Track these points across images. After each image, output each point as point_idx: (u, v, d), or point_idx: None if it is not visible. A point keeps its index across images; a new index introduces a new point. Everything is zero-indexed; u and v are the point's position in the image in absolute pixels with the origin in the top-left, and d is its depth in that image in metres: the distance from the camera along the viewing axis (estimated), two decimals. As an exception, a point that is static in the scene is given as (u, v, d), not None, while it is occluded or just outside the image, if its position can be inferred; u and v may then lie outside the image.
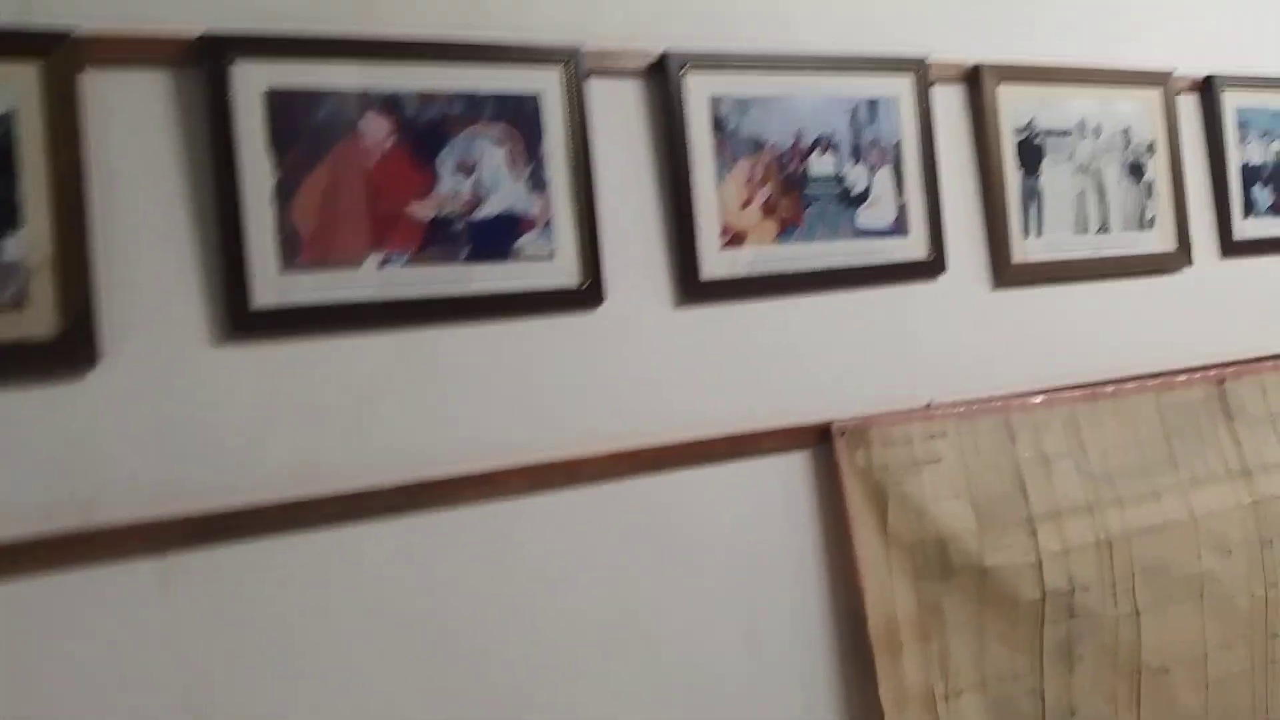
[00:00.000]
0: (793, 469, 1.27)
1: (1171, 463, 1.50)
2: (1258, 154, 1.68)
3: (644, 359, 1.22)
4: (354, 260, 1.07)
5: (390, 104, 1.09)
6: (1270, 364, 1.62)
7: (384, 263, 1.08)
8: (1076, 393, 1.45)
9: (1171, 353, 1.56)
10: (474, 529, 1.11)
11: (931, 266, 1.38)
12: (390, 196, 1.09)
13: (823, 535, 1.29)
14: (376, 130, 1.08)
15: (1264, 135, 1.68)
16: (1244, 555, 1.53)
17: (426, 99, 1.10)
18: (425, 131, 1.11)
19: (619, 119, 1.22)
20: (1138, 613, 1.43)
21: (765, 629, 1.26)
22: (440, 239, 1.10)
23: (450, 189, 1.11)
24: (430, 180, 1.11)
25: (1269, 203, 1.68)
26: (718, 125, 1.24)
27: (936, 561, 1.32)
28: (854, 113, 1.32)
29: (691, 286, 1.24)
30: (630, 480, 1.19)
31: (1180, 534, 1.47)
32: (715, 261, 1.24)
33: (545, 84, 1.16)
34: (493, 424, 1.14)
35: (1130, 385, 1.49)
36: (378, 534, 1.07)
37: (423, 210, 1.10)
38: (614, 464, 1.18)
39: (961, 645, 1.33)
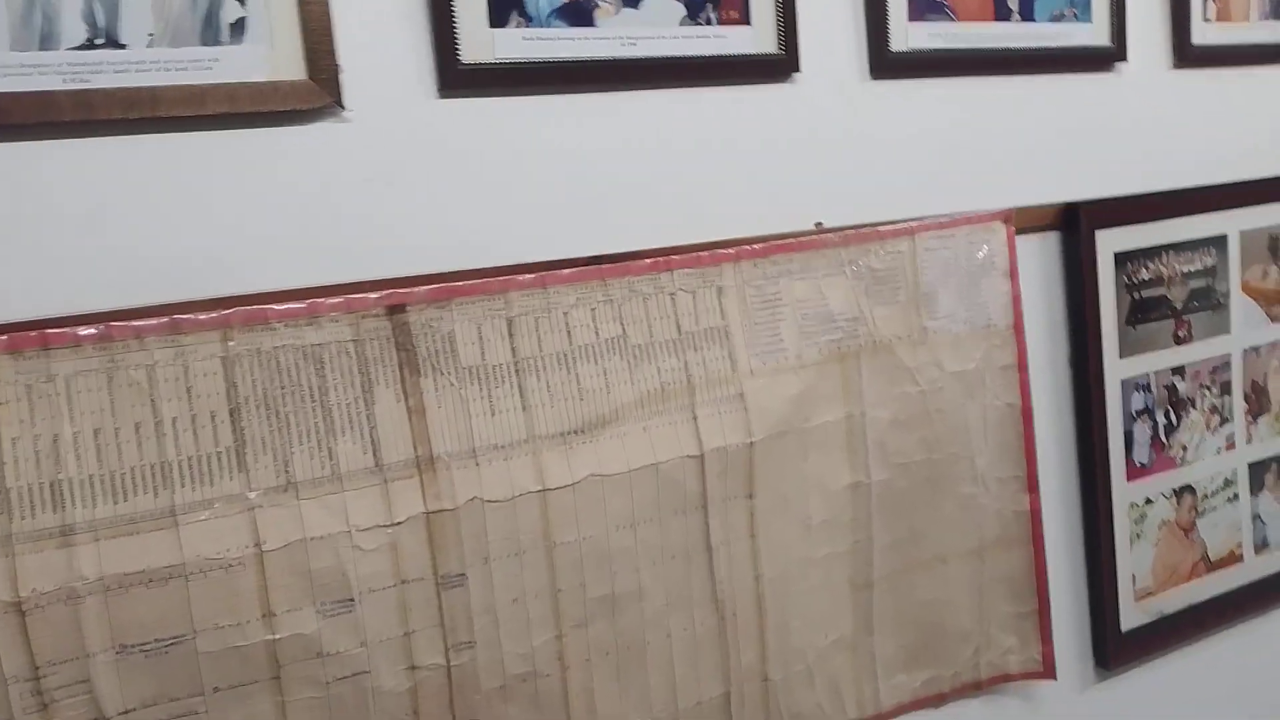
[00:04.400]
0: None
1: (235, 457, 0.86)
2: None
3: None
4: None
5: None
6: (498, 280, 0.96)
7: None
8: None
9: (290, 261, 0.90)
10: None
11: None
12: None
13: None
14: None
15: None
16: (383, 607, 0.90)
17: None
18: None
19: None
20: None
21: None
22: None
23: None
24: None
25: (552, 4, 0.99)
26: None
27: None
28: None
29: None
30: None
31: (212, 586, 0.84)
32: None
33: None
34: None
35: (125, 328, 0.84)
36: None
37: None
38: None
39: None
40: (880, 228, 1.14)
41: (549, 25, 0.99)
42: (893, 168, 1.18)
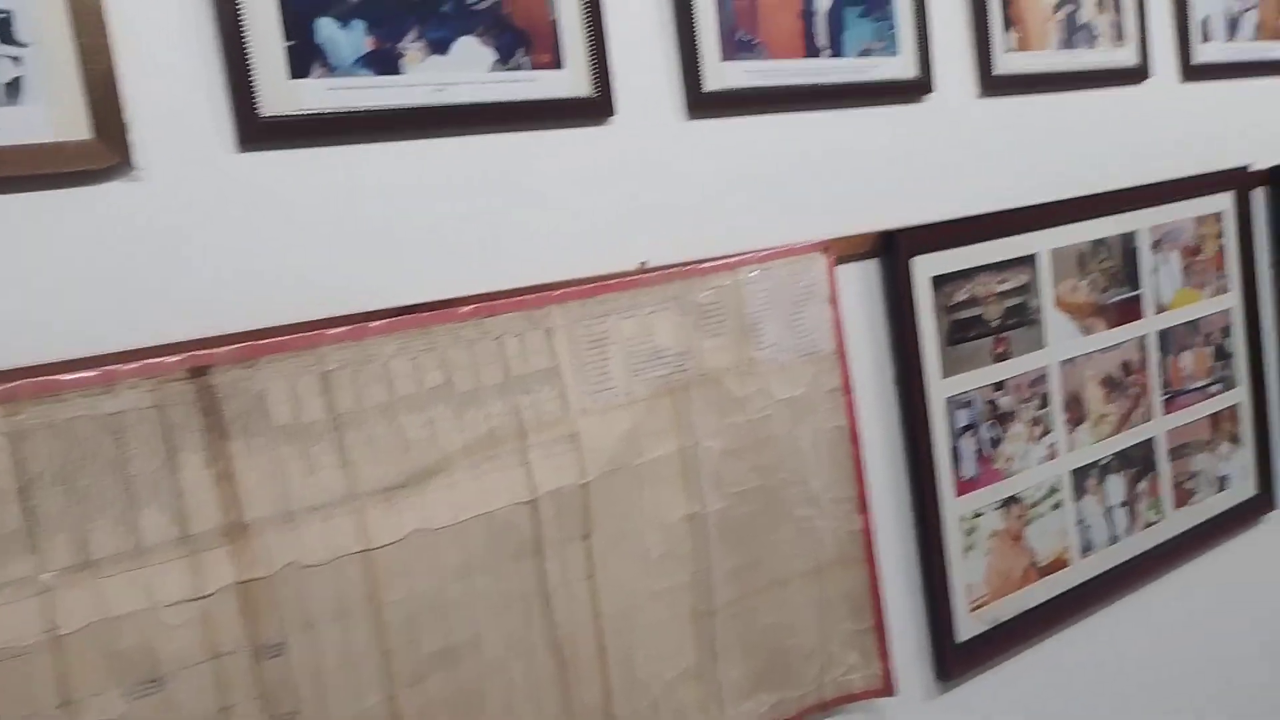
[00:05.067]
0: None
1: (26, 537, 0.81)
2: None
3: None
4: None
5: None
6: (309, 335, 0.94)
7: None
8: None
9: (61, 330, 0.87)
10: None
11: None
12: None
13: None
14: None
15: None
16: (196, 683, 0.87)
17: None
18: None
19: None
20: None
21: None
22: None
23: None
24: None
25: (355, 53, 0.99)
26: None
27: None
28: None
29: None
30: None
31: (3, 676, 0.80)
32: None
33: None
34: None
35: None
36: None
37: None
38: None
39: None
40: (703, 264, 1.17)
41: (354, 74, 0.98)
42: (714, 204, 1.21)
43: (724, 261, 1.18)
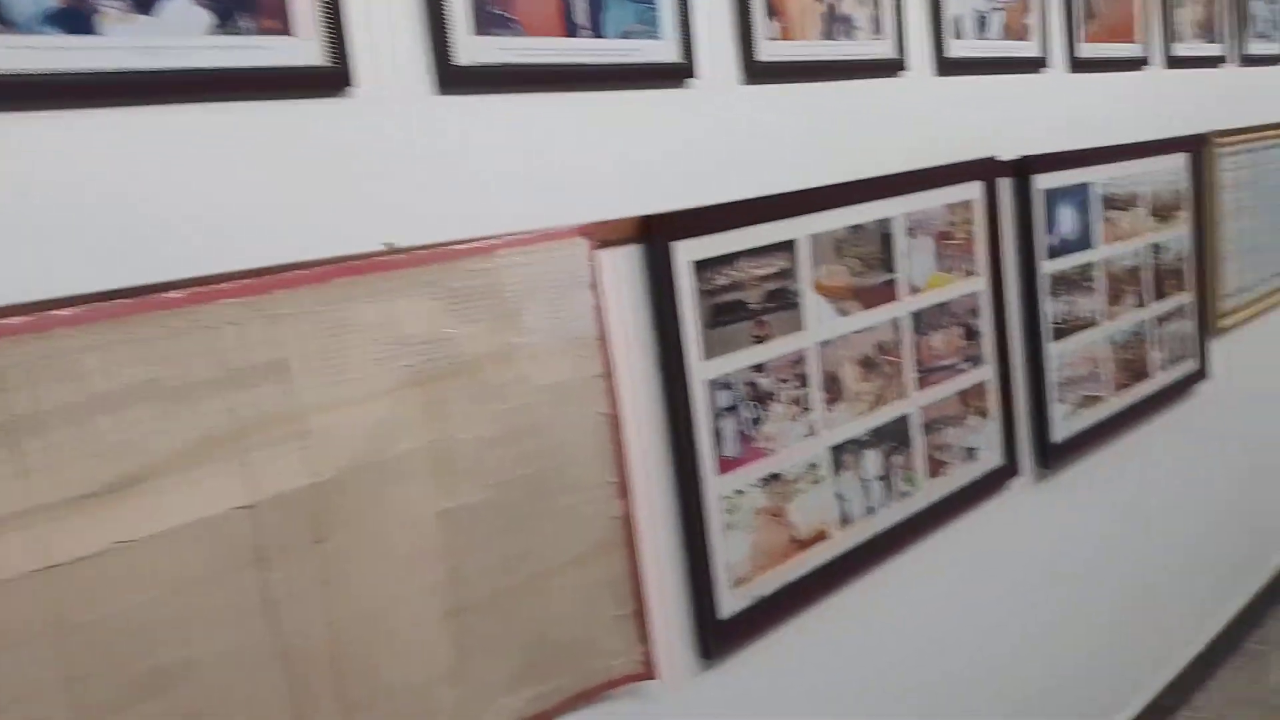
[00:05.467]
0: None
1: None
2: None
3: None
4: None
5: None
6: None
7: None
8: None
9: None
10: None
11: None
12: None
13: None
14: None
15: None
16: None
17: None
18: None
19: None
20: None
21: None
22: None
23: None
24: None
25: (40, 8, 0.87)
26: None
27: None
28: None
29: None
30: None
31: None
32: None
33: None
34: None
35: None
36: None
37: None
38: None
39: None
40: (457, 246, 1.12)
41: (38, 32, 0.87)
42: (470, 184, 1.16)
43: (480, 245, 1.13)
